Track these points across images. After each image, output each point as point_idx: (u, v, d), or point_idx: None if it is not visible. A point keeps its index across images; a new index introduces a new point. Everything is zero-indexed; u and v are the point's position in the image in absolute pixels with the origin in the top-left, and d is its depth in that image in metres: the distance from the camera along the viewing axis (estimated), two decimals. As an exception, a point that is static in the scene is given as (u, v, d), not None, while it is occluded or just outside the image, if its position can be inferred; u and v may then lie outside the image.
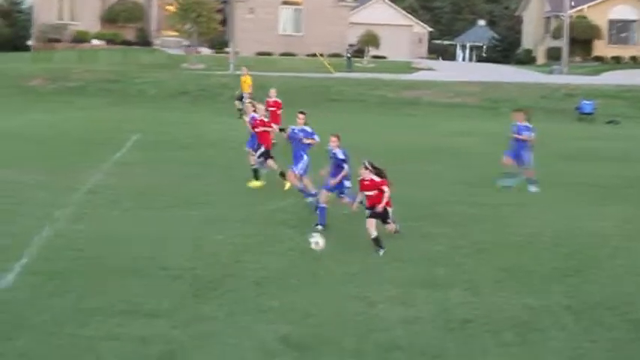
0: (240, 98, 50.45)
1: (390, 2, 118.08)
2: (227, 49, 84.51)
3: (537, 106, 59.04)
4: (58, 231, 22.39)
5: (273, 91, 40.46)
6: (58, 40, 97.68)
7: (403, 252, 21.29)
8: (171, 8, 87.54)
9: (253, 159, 29.76)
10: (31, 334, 14.64)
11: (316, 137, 26.94)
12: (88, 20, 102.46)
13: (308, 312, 16.68)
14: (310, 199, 26.08)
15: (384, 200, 20.94)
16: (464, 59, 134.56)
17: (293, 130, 27.25)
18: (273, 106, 38.98)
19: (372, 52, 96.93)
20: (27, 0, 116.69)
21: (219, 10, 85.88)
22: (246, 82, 52.60)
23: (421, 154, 39.10)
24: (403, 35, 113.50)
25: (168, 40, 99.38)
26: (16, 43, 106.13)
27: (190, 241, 21.71)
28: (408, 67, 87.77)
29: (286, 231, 23.43)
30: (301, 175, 26.82)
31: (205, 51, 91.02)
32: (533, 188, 30.12)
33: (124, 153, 36.88)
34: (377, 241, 20.87)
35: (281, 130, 35.63)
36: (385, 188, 21.10)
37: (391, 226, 21.82)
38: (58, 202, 25.64)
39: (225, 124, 49.92)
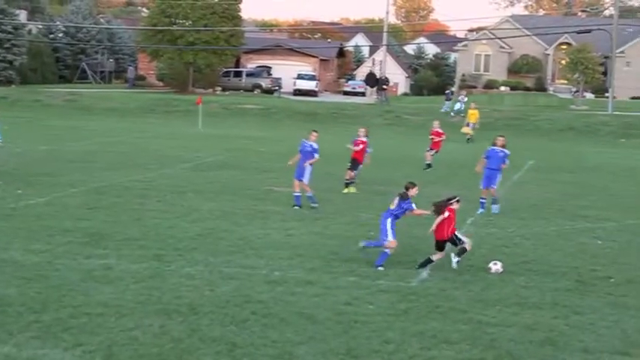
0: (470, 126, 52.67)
1: None
2: (606, 94, 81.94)
3: None
4: (469, 234, 22.04)
5: (436, 123, 38.79)
6: (474, 87, 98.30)
7: None
8: (564, 62, 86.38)
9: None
10: (442, 317, 14.46)
11: (316, 155, 25.43)
12: (497, 71, 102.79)
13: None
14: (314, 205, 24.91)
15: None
16: None
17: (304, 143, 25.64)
18: (434, 135, 37.75)
19: None
20: (452, 55, 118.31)
21: (602, 64, 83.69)
22: (475, 115, 52.22)
23: None
24: None
25: (560, 87, 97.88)
26: (442, 88, 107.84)
27: (574, 245, 20.92)
28: None
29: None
30: (304, 182, 25.31)
31: (589, 96, 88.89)
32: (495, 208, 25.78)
33: (521, 175, 36.26)
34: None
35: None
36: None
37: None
38: (469, 211, 25.33)
39: (603, 154, 48.36)
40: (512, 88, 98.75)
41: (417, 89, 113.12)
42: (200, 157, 38.14)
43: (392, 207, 18.50)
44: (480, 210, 25.60)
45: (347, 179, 29.20)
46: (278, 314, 14.17)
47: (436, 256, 18.00)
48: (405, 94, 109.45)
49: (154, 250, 18.68)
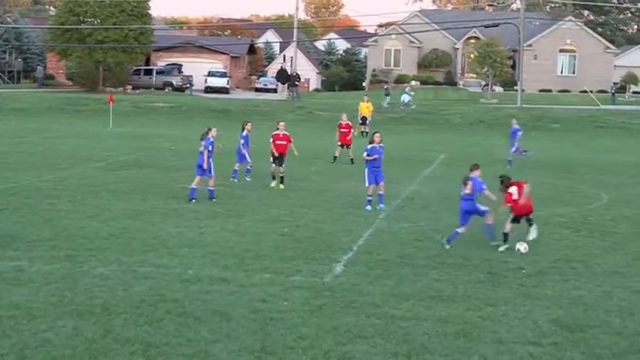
0: (364, 121, 52.49)
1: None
2: (515, 88, 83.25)
3: None
4: (381, 229, 22.28)
5: (344, 116, 39.28)
6: (385, 82, 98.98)
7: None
8: (472, 56, 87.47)
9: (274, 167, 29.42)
10: (356, 312, 14.52)
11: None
12: (408, 66, 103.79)
13: (577, 298, 15.89)
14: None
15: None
16: None
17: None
18: (345, 128, 38.27)
19: (633, 89, 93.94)
20: (362, 51, 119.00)
21: (510, 57, 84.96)
22: (368, 108, 52.52)
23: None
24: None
25: (470, 81, 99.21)
26: (353, 84, 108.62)
27: (486, 238, 21.18)
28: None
29: (562, 231, 22.63)
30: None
31: (498, 89, 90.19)
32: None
33: (433, 168, 36.68)
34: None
35: (341, 146, 37.58)
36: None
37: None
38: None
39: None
40: (423, 83, 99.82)
41: (328, 85, 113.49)
42: (112, 156, 37.75)
43: (467, 191, 19.81)
44: (368, 207, 25.33)
45: (274, 173, 29.45)
46: (193, 313, 14.10)
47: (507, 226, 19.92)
48: (317, 90, 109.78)
49: (66, 250, 18.45)
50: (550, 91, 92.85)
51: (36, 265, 17.07)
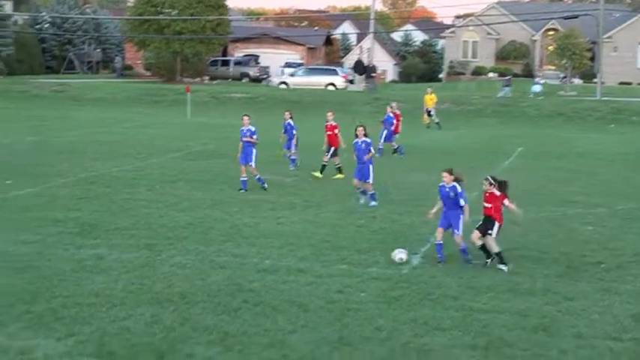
0: (429, 113, 51.70)
1: None
2: (594, 80, 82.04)
3: None
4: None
5: (394, 105, 39.73)
6: (462, 74, 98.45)
7: None
8: (551, 48, 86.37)
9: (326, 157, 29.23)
10: (433, 304, 14.50)
11: (255, 136, 26.33)
12: (486, 58, 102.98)
13: (659, 295, 15.63)
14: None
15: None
16: None
17: (242, 130, 26.41)
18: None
19: None
20: (439, 42, 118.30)
21: (589, 49, 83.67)
22: (432, 99, 51.43)
23: None
24: None
25: (548, 73, 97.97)
26: (430, 75, 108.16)
27: (565, 231, 20.94)
28: None
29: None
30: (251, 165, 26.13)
31: (577, 81, 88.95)
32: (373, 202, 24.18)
33: (511, 161, 36.33)
34: (500, 257, 17.40)
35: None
36: (506, 202, 18.20)
37: (487, 240, 17.50)
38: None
39: (592, 139, 48.38)
40: (501, 75, 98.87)
41: (405, 76, 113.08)
42: (189, 146, 38.10)
43: None
44: (362, 200, 24.67)
45: (337, 165, 29.32)
46: (270, 303, 14.18)
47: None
48: (394, 82, 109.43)
49: (144, 239, 18.70)
50: (630, 83, 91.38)
51: (115, 254, 17.33)
